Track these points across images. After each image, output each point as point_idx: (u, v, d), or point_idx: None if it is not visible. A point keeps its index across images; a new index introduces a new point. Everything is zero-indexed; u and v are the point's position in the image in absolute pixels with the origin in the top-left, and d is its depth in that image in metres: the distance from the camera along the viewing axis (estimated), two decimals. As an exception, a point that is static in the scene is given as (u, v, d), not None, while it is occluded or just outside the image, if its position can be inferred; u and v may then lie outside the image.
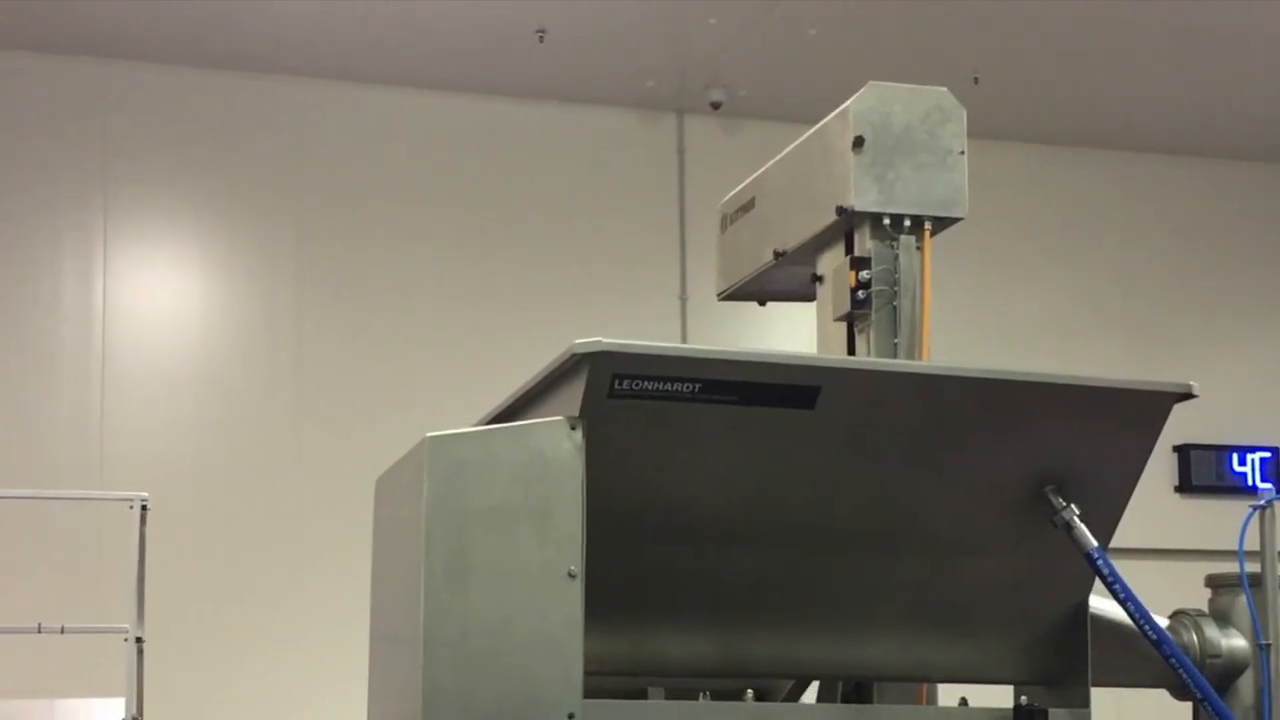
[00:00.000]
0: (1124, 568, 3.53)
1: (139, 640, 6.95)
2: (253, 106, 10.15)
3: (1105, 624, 3.74)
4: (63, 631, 7.14)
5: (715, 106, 10.52)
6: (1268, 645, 3.87)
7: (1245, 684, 3.89)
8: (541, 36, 9.59)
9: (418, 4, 9.29)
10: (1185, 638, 3.90)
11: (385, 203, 10.30)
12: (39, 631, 7.10)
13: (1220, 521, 9.46)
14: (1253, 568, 3.90)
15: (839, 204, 4.07)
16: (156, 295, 9.96)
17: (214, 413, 9.86)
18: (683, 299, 10.66)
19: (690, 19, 9.51)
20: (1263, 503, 3.92)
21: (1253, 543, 3.91)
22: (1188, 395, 3.52)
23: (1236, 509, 4.04)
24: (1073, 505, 3.49)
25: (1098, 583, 3.56)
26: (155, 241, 10.01)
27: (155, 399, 9.78)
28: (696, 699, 3.43)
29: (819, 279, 4.30)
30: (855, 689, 3.86)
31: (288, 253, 10.11)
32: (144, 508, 7.10)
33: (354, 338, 10.10)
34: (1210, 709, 3.58)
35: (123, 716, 6.87)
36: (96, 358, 9.74)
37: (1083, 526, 3.48)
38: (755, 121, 10.51)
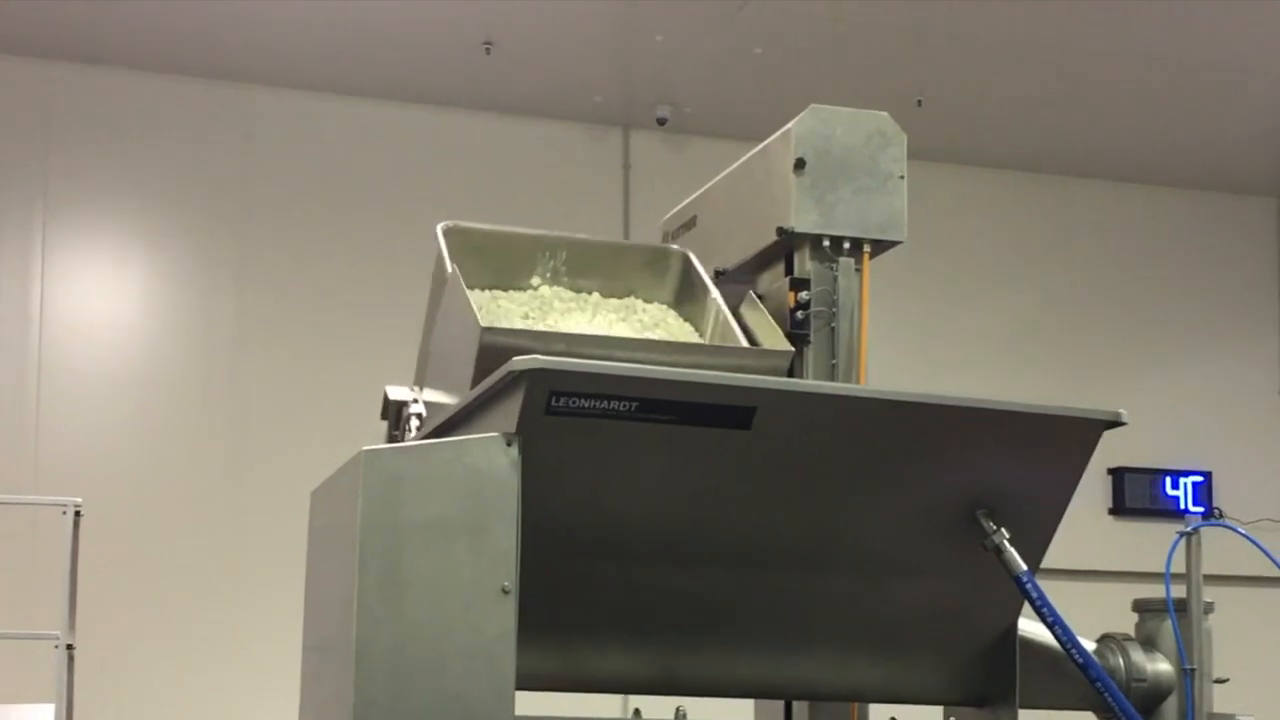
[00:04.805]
0: (1057, 589, 3.57)
1: (70, 647, 6.90)
2: (195, 111, 10.09)
3: (1034, 646, 3.78)
4: (-8, 637, 7.09)
5: (661, 122, 10.55)
6: (1192, 670, 3.91)
7: (1169, 709, 3.93)
8: (488, 49, 9.59)
9: (364, 13, 9.27)
10: (1112, 661, 3.94)
11: (328, 211, 10.26)
12: (-33, 636, 7.05)
13: (1153, 544, 9.50)
14: (1179, 593, 3.95)
15: (779, 225, 4.09)
16: (94, 299, 9.89)
17: (150, 418, 9.79)
18: (625, 314, 10.66)
19: (637, 35, 9.54)
20: (1189, 529, 3.96)
21: (1180, 567, 3.96)
22: (1116, 423, 3.56)
23: (1169, 532, 4.08)
24: (1003, 529, 3.53)
25: (1028, 605, 3.60)
26: (94, 244, 9.93)
27: (91, 403, 9.71)
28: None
29: (759, 299, 4.32)
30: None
31: (228, 259, 10.06)
32: (78, 513, 7.06)
33: (293, 345, 10.06)
34: (1135, 732, 3.63)
35: (52, 723, 6.82)
36: (33, 360, 9.66)
37: (1012, 550, 3.52)
38: (701, 138, 10.55)
